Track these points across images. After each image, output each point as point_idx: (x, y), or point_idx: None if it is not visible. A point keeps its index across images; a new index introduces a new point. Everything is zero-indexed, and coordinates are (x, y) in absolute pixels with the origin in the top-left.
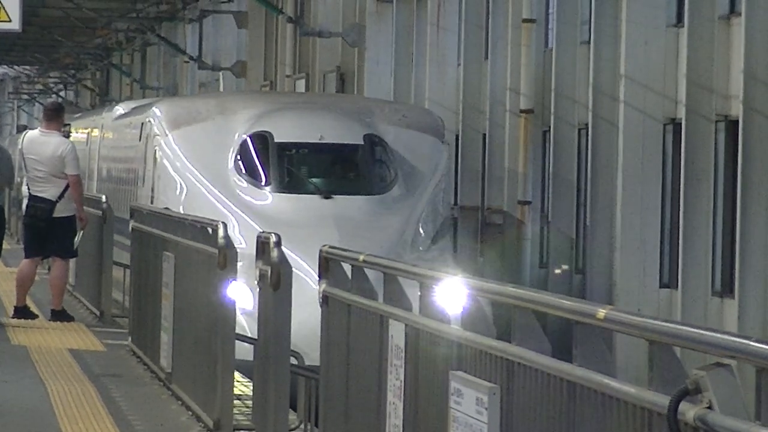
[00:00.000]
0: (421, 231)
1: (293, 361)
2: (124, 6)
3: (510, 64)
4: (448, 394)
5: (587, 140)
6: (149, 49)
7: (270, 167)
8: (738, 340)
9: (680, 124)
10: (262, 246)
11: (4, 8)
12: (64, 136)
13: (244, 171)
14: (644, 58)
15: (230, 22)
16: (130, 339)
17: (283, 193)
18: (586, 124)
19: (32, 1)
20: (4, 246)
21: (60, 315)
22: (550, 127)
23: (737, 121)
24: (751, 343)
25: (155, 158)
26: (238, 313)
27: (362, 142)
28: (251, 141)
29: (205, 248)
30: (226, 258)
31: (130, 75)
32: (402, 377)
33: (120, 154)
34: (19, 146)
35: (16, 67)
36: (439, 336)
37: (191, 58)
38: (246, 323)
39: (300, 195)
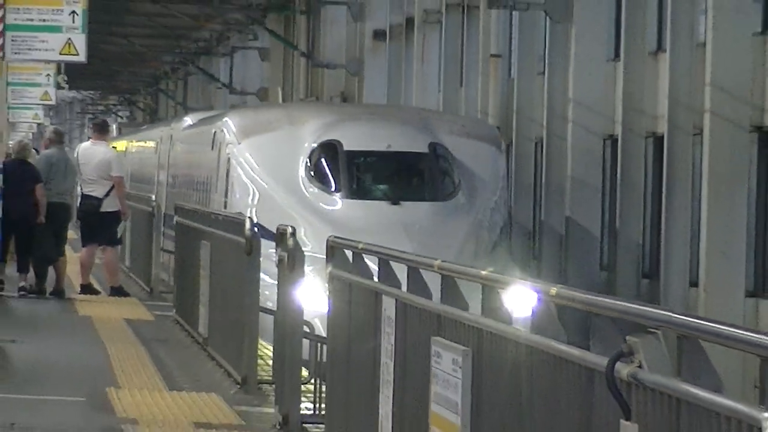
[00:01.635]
0: (483, 237)
1: (306, 329)
2: (169, 43)
3: (480, 90)
4: (430, 355)
5: (542, 152)
6: (190, 78)
7: (339, 174)
8: (663, 312)
9: (617, 139)
10: (281, 236)
11: (73, 44)
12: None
13: (314, 178)
14: (588, 85)
15: (255, 56)
16: (174, 311)
17: (353, 199)
18: (542, 139)
19: (95, 38)
20: (70, 236)
21: (117, 291)
22: (512, 141)
23: (663, 137)
24: (673, 315)
25: (228, 165)
26: (310, 315)
27: (427, 151)
28: (320, 149)
29: (235, 238)
30: (251, 246)
31: (175, 98)
32: (393, 342)
33: (191, 161)
34: (75, 155)
35: (82, 91)
36: (423, 309)
37: (224, 85)
38: (321, 324)
39: (369, 201)
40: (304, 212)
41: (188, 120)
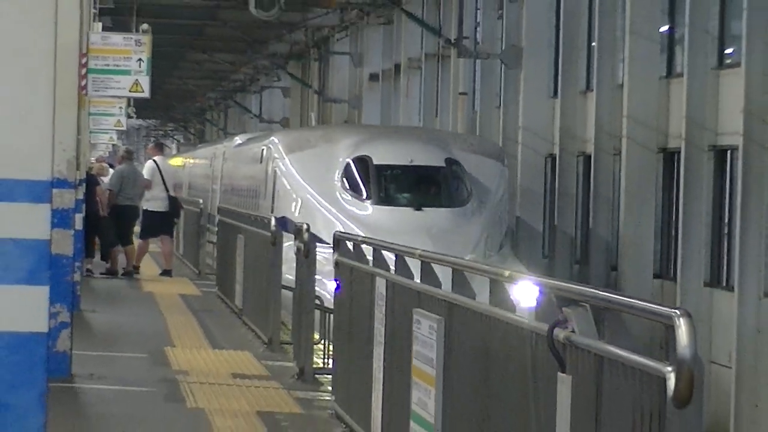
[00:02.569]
0: (492, 238)
1: (317, 302)
2: (213, 83)
3: (451, 120)
4: (411, 322)
5: None
6: (229, 110)
7: (370, 184)
8: (589, 289)
9: (556, 158)
10: (298, 231)
11: (139, 84)
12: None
13: (348, 187)
14: (533, 116)
15: (279, 93)
16: (216, 288)
17: (382, 205)
18: None
19: (157, 79)
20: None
21: (167, 273)
22: None
23: (590, 156)
24: (597, 292)
25: (275, 177)
26: (320, 291)
27: (444, 165)
28: (354, 163)
29: (262, 233)
30: (275, 239)
31: (217, 125)
32: (383, 312)
33: (241, 173)
34: (153, 168)
35: (147, 120)
36: (407, 287)
37: (255, 115)
38: (329, 298)
39: (395, 207)
40: (340, 216)
41: (238, 140)
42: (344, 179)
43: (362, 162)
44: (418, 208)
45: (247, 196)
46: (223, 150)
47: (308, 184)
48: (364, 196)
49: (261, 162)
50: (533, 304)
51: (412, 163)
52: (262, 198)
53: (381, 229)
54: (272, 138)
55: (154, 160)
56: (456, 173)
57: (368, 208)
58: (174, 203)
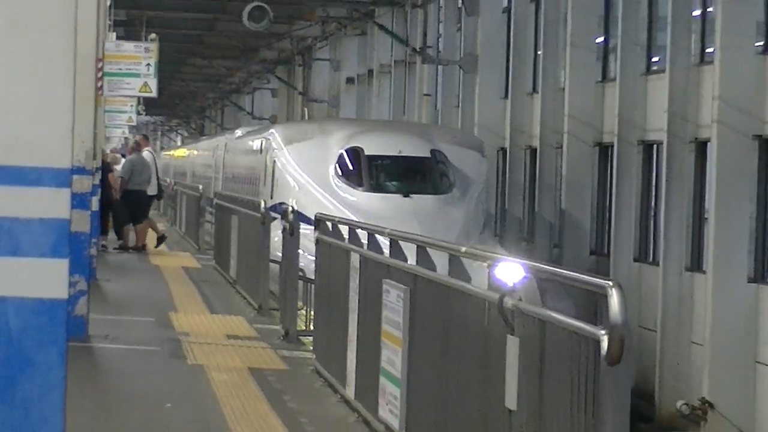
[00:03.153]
0: (474, 222)
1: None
2: (212, 85)
3: (416, 118)
4: (381, 292)
5: None
6: (226, 108)
7: (362, 173)
8: (532, 263)
9: (506, 151)
10: (285, 212)
11: (148, 85)
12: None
13: (342, 176)
14: (487, 115)
15: (268, 94)
16: (214, 261)
17: (373, 192)
18: None
19: (162, 82)
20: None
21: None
22: None
23: (536, 150)
24: (539, 265)
25: (274, 166)
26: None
27: (429, 155)
28: (347, 154)
29: (254, 214)
30: (264, 219)
31: (215, 121)
32: (357, 283)
33: (242, 162)
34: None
35: (154, 116)
36: (377, 261)
37: (248, 113)
38: (310, 271)
39: (385, 194)
40: (334, 202)
41: (239, 132)
42: (338, 168)
43: (355, 152)
44: (407, 195)
45: (247, 183)
46: (225, 142)
47: (305, 173)
48: (357, 184)
49: (261, 152)
50: (514, 282)
51: (401, 154)
52: (262, 185)
53: (372, 214)
54: (272, 130)
55: (149, 151)
56: (440, 163)
57: (360, 195)
58: (160, 187)
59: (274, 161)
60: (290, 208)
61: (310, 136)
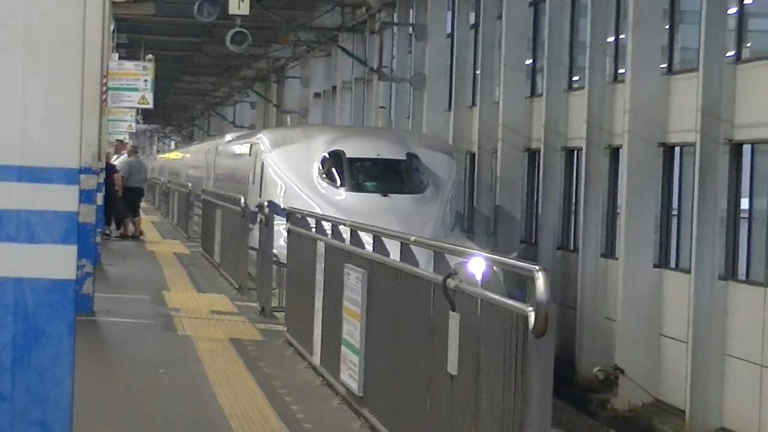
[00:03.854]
0: (446, 220)
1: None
2: (200, 98)
3: None
4: (343, 274)
5: None
6: (211, 118)
7: (344, 174)
8: (470, 250)
9: (474, 155)
10: (260, 207)
11: (146, 98)
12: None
13: (325, 176)
14: (433, 125)
15: (248, 106)
16: (201, 247)
17: (354, 192)
18: None
19: (157, 95)
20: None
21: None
22: None
23: (475, 155)
24: (476, 252)
25: (262, 167)
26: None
27: (405, 158)
28: (329, 156)
29: (235, 208)
30: (244, 212)
31: (203, 129)
32: (323, 267)
33: (233, 164)
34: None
35: (151, 125)
36: (340, 248)
37: (230, 122)
38: (283, 256)
39: (365, 194)
40: (318, 200)
41: (228, 137)
42: (321, 169)
43: (336, 155)
44: (385, 194)
45: (237, 182)
46: (215, 146)
47: (291, 174)
48: (339, 184)
49: (250, 155)
50: (481, 277)
51: (379, 157)
52: (251, 185)
53: (353, 211)
54: (260, 135)
55: (137, 157)
56: (415, 165)
57: (342, 194)
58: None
59: (263, 163)
60: (265, 203)
61: (295, 140)
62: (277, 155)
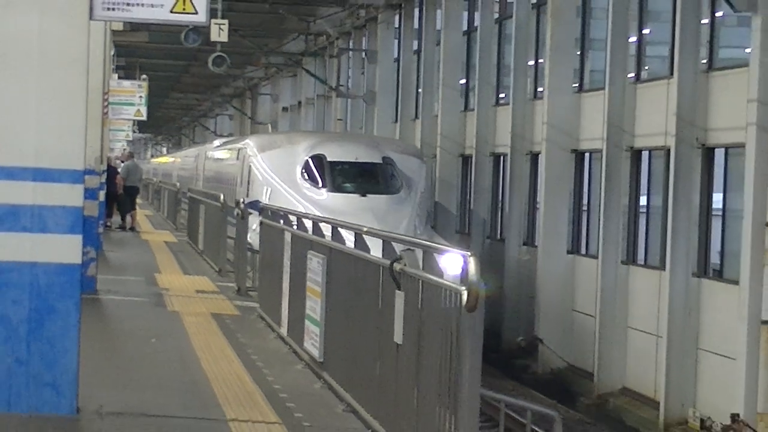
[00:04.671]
0: (419, 218)
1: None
2: (186, 112)
3: None
4: (306, 259)
5: None
6: (196, 128)
7: (325, 176)
8: (416, 240)
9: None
10: (237, 203)
11: (141, 111)
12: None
13: (307, 178)
14: (385, 135)
15: (227, 118)
16: (187, 236)
17: (334, 192)
18: None
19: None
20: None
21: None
22: None
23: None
24: (422, 241)
25: (249, 170)
26: (251, 239)
27: (381, 162)
28: (311, 160)
29: (216, 203)
30: (223, 207)
31: (189, 137)
32: (289, 253)
33: (221, 167)
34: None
35: (145, 133)
36: (303, 237)
37: (212, 132)
38: (256, 244)
39: (345, 194)
40: (301, 200)
41: (217, 142)
42: (304, 172)
43: (318, 159)
44: (363, 195)
45: (225, 183)
46: (204, 150)
47: (276, 176)
48: (320, 185)
49: (238, 158)
50: (458, 272)
51: (357, 160)
52: (239, 186)
53: (334, 211)
54: (247, 140)
55: (133, 161)
56: (390, 168)
57: (324, 195)
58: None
59: (250, 166)
60: (241, 200)
61: (279, 145)
62: (263, 159)
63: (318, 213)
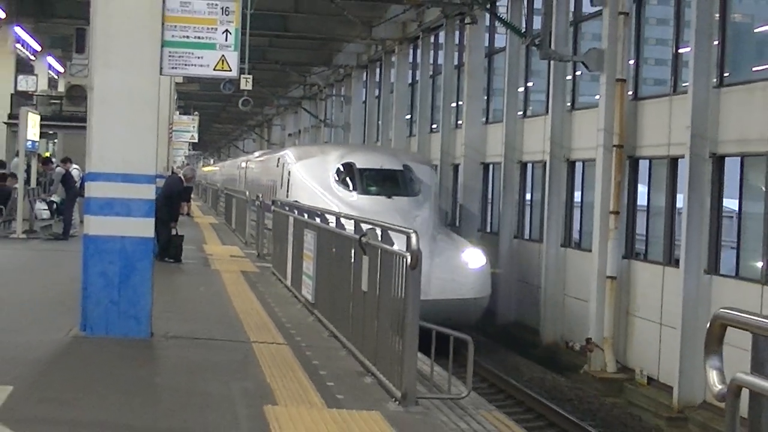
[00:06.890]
0: (436, 218)
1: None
2: (224, 136)
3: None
4: (303, 235)
5: None
6: (232, 148)
7: (355, 181)
8: (378, 222)
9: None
10: (255, 198)
11: (194, 136)
12: None
13: (340, 183)
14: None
15: (251, 141)
16: (225, 219)
17: (364, 195)
18: None
19: (201, 134)
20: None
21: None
22: None
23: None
24: (382, 223)
25: (289, 175)
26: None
27: (402, 169)
28: (342, 167)
29: (244, 197)
30: (248, 199)
31: (226, 154)
32: (292, 231)
33: (262, 173)
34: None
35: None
36: (301, 220)
37: (243, 150)
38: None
39: (373, 196)
40: (335, 201)
41: (257, 154)
42: (337, 177)
43: (348, 166)
44: (389, 197)
45: (267, 187)
46: (247, 160)
47: (312, 181)
48: (351, 189)
49: (278, 166)
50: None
51: (382, 167)
52: (279, 189)
53: (364, 211)
54: (286, 151)
55: (190, 167)
56: (410, 174)
57: (354, 197)
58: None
59: (289, 172)
60: (259, 197)
61: (314, 155)
62: (301, 166)
63: (350, 213)
